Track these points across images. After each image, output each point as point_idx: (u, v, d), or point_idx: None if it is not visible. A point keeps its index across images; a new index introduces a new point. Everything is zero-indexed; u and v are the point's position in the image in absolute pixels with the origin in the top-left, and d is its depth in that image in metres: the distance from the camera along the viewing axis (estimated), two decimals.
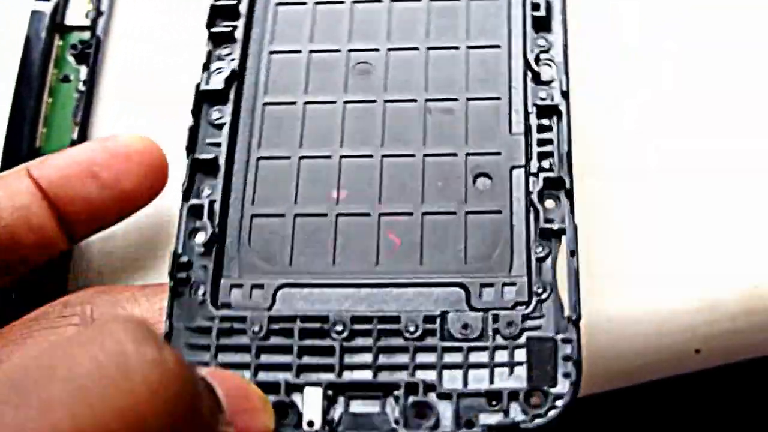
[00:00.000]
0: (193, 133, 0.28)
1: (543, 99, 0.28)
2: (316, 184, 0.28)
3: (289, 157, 0.28)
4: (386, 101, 0.28)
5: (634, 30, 0.44)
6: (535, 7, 0.29)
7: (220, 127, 0.29)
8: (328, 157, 0.28)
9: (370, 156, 0.28)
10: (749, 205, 0.42)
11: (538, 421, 0.24)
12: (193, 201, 0.27)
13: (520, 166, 0.28)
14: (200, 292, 0.26)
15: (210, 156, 0.28)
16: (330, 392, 0.25)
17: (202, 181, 0.28)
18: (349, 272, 0.27)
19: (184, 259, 0.27)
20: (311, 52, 0.30)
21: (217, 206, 0.27)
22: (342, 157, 0.28)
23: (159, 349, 0.19)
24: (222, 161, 0.28)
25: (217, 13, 0.30)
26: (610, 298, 0.40)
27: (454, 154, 0.28)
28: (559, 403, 0.24)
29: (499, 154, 0.28)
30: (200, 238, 0.27)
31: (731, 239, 0.42)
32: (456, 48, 0.29)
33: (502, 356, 0.25)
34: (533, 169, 0.27)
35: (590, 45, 0.43)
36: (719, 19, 0.45)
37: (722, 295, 0.41)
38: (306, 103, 0.29)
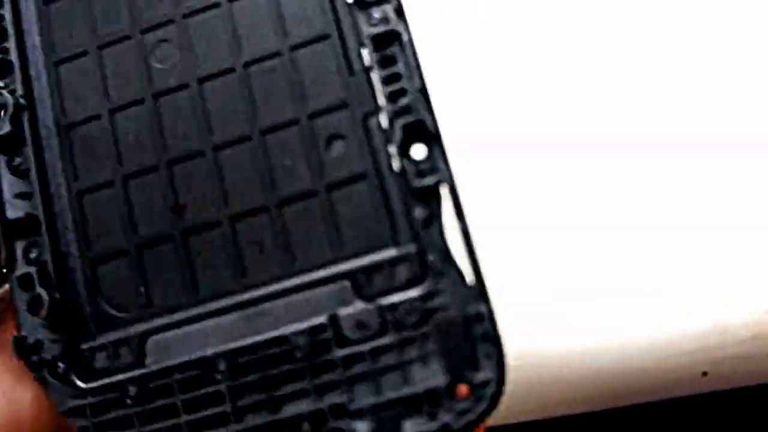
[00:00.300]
0: None
1: (375, 24, 0.22)
2: (150, 203, 0.23)
3: (112, 183, 0.23)
4: (200, 80, 0.23)
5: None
6: None
7: (25, 174, 0.23)
8: (155, 168, 0.23)
9: (201, 152, 0.23)
10: (762, 230, 0.43)
11: (468, 417, 0.21)
12: (21, 270, 0.23)
13: (373, 113, 0.22)
14: (59, 368, 0.22)
15: (21, 213, 0.23)
16: None
17: (23, 243, 0.23)
18: (214, 296, 0.22)
19: (32, 339, 0.22)
20: (99, 47, 0.24)
21: (50, 267, 0.23)
22: (169, 162, 0.23)
23: None
24: (40, 214, 0.23)
25: None
26: (621, 317, 0.41)
27: (296, 121, 0.22)
28: (488, 391, 0.21)
29: (345, 105, 0.22)
30: (40, 308, 0.23)
31: (743, 264, 0.42)
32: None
33: (411, 351, 0.21)
34: (386, 114, 0.22)
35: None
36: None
37: (732, 319, 0.41)
38: (112, 111, 0.24)
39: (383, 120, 0.22)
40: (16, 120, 0.24)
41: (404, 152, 0.22)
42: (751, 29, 0.45)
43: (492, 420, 0.40)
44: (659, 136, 0.44)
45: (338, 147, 0.22)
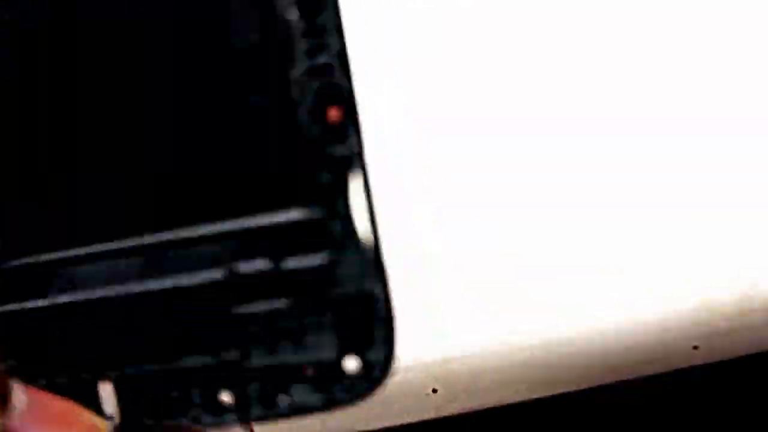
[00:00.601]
0: None
1: None
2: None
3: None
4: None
5: None
6: None
7: None
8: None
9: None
10: (749, 207, 0.44)
11: (351, 393, 0.20)
12: None
13: (291, 66, 0.20)
14: None
15: None
16: (123, 385, 0.21)
17: None
18: (109, 237, 0.21)
19: None
20: None
21: None
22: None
23: None
24: None
25: None
26: (613, 294, 0.44)
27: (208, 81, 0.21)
28: (377, 370, 0.20)
29: (263, 50, 0.20)
30: None
31: (729, 243, 0.44)
32: None
33: (308, 318, 0.20)
34: (299, 72, 0.20)
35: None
36: None
37: (720, 296, 0.44)
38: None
39: (297, 72, 0.20)
40: None
41: (316, 117, 0.20)
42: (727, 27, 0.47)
43: (483, 404, 0.41)
44: (631, 111, 0.46)
45: (256, 99, 0.20)
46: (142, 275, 0.21)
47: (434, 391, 0.42)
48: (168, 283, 0.20)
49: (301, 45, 0.20)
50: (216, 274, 0.20)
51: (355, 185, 0.20)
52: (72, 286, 0.21)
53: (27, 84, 0.21)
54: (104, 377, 0.21)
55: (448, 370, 0.42)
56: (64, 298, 0.21)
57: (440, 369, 0.42)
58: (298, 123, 0.20)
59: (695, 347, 0.44)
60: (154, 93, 0.20)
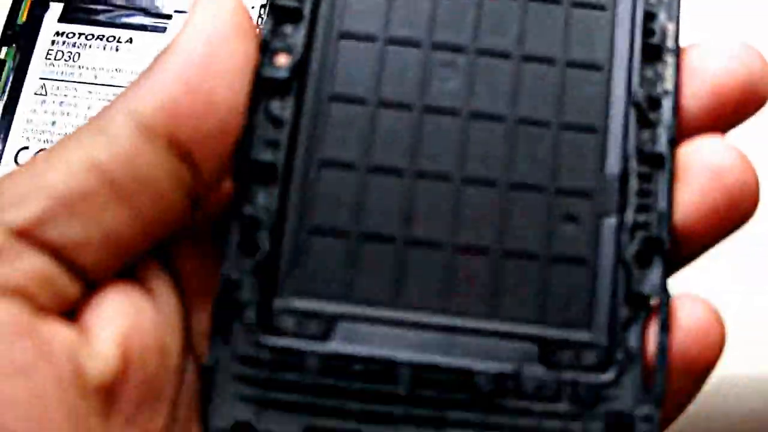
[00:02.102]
0: (249, 129, 0.23)
1: (646, 142, 0.24)
2: (384, 201, 0.24)
3: (356, 167, 0.24)
4: (471, 114, 0.24)
5: None
6: (649, 33, 0.25)
7: (278, 123, 0.24)
8: (401, 172, 0.24)
9: (449, 178, 0.24)
10: None
11: None
12: (248, 211, 0.23)
13: (611, 214, 0.24)
14: (248, 315, 0.23)
15: (268, 158, 0.24)
16: None
17: (256, 186, 0.24)
18: (417, 308, 0.23)
19: (234, 276, 0.23)
20: (387, 41, 0.25)
21: (273, 218, 0.23)
22: (417, 174, 0.24)
23: None
24: (281, 166, 0.24)
25: None
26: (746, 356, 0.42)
27: (542, 189, 0.24)
28: None
29: (590, 196, 0.24)
30: (255, 254, 0.23)
31: None
32: (552, 62, 0.25)
33: (576, 426, 0.23)
34: (628, 223, 0.24)
35: None
36: None
37: None
38: (379, 104, 0.24)
39: (626, 223, 0.24)
40: (294, 71, 0.24)
41: (637, 261, 0.23)
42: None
43: None
44: None
45: (570, 227, 0.24)
46: (433, 350, 0.23)
47: None
48: (458, 363, 0.23)
49: (633, 199, 0.24)
50: (504, 367, 0.23)
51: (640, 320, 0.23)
52: (370, 343, 0.23)
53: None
54: None
55: None
56: (346, 349, 0.23)
57: None
58: (607, 259, 0.24)
59: None
60: (492, 195, 0.24)
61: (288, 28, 0.24)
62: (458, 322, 0.23)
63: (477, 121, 0.24)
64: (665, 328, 0.23)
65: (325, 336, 0.23)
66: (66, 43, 0.49)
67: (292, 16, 0.24)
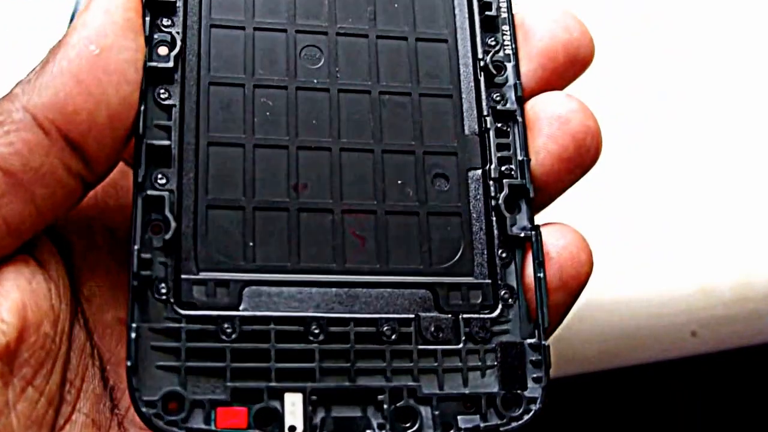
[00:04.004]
0: (144, 115, 0.25)
1: (497, 101, 0.27)
2: (273, 174, 0.26)
3: (243, 144, 0.26)
4: (339, 90, 0.27)
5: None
6: (485, 6, 0.28)
7: (167, 108, 0.25)
8: (284, 146, 0.26)
9: (328, 148, 0.26)
10: (746, 200, 0.45)
11: (514, 424, 0.25)
12: (150, 192, 0.25)
13: (476, 168, 0.27)
14: (162, 290, 0.24)
15: (164, 142, 0.25)
16: (313, 398, 0.24)
17: (154, 169, 0.25)
18: (316, 270, 0.25)
19: (145, 255, 0.24)
20: (255, 29, 0.27)
21: (174, 197, 0.25)
22: (299, 147, 0.26)
23: None
24: (175, 148, 0.25)
25: None
26: (614, 283, 0.43)
27: (412, 152, 0.27)
28: (532, 406, 0.25)
29: (455, 154, 0.27)
30: (161, 232, 0.24)
31: (727, 231, 0.44)
32: (404, 39, 0.28)
33: (473, 360, 0.25)
34: (494, 174, 0.27)
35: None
36: None
37: (718, 282, 0.44)
38: (256, 85, 0.26)
39: (492, 174, 0.27)
40: (176, 59, 0.26)
41: (508, 207, 0.26)
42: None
43: None
44: (642, 106, 0.47)
45: (442, 183, 0.27)
46: (337, 306, 0.25)
47: None
48: (363, 315, 0.25)
49: (495, 153, 0.27)
50: (404, 315, 0.25)
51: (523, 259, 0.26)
52: (277, 304, 0.25)
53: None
54: (294, 389, 0.24)
55: None
56: (260, 313, 0.25)
57: None
58: (478, 208, 0.27)
59: (693, 333, 0.44)
60: (369, 160, 0.27)
61: (165, 20, 0.26)
62: (355, 278, 0.25)
63: (345, 96, 0.27)
64: (541, 263, 0.26)
65: (236, 303, 0.25)
66: None
67: (167, 9, 0.26)
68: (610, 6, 0.49)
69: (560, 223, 0.27)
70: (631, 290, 0.44)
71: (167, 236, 0.24)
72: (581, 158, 0.26)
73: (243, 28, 0.27)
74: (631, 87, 0.47)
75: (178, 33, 0.26)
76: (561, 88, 0.27)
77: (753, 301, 0.44)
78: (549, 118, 0.26)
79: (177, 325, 0.24)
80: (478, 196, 0.27)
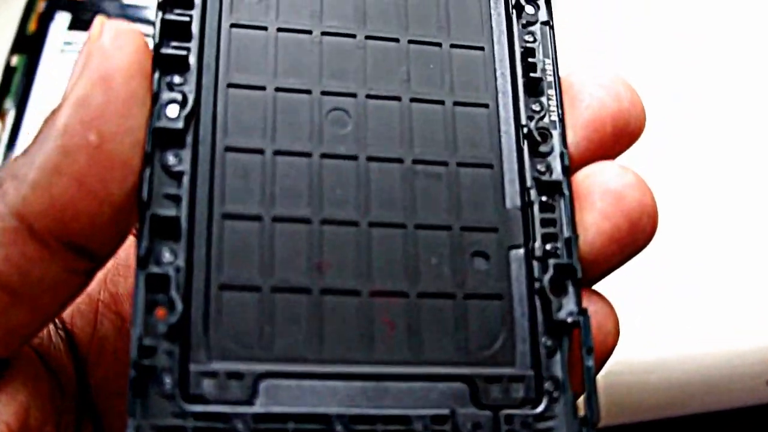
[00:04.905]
0: (150, 182, 0.22)
1: (542, 173, 0.25)
2: (293, 252, 0.23)
3: (261, 218, 0.23)
4: (368, 158, 0.24)
5: None
6: (530, 69, 0.26)
7: (177, 175, 0.23)
8: (307, 221, 0.23)
9: (356, 223, 0.24)
10: None
11: None
12: (154, 269, 0.22)
13: (518, 246, 0.24)
14: (166, 382, 0.21)
15: (171, 213, 0.22)
16: None
17: (160, 243, 0.22)
18: (340, 360, 0.23)
19: (148, 342, 0.21)
20: (277, 90, 0.24)
21: (182, 276, 0.22)
22: (323, 221, 0.24)
23: None
24: (184, 221, 0.22)
25: (166, 32, 0.24)
26: (692, 332, 0.43)
27: (448, 227, 0.24)
28: None
29: (495, 230, 0.24)
30: (165, 315, 0.22)
31: None
32: (441, 102, 0.25)
33: None
34: (538, 252, 0.24)
35: None
36: None
37: None
38: (276, 152, 0.24)
39: (535, 252, 0.24)
40: (187, 120, 0.23)
41: (553, 289, 0.24)
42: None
43: None
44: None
45: (481, 263, 0.24)
46: (364, 401, 0.23)
47: None
48: (392, 411, 0.23)
49: (539, 230, 0.24)
50: (439, 411, 0.23)
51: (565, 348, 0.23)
52: (297, 399, 0.22)
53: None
54: None
55: None
56: (276, 409, 0.22)
57: None
58: (521, 291, 0.24)
59: None
60: (400, 237, 0.24)
61: (177, 78, 0.24)
62: (384, 369, 0.23)
63: (375, 165, 0.24)
64: (591, 350, 0.23)
65: (250, 397, 0.22)
66: (75, 52, 0.51)
67: (179, 65, 0.24)
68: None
69: (588, 289, 0.24)
70: (705, 342, 0.43)
71: (173, 320, 0.22)
72: (634, 239, 0.24)
73: (264, 89, 0.24)
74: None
75: (190, 92, 0.23)
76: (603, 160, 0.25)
77: None
78: (601, 193, 0.24)
79: (183, 422, 0.21)
80: (521, 277, 0.24)
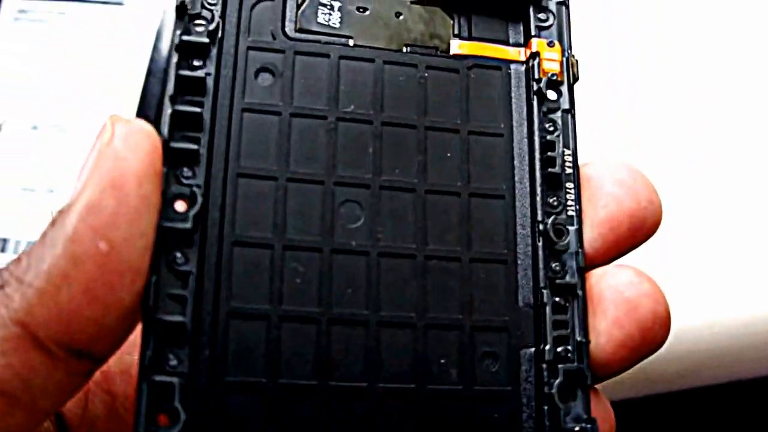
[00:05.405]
0: (156, 287, 0.21)
1: (556, 272, 0.24)
2: (300, 352, 0.22)
3: (266, 317, 0.22)
4: (380, 254, 0.24)
5: None
6: (548, 161, 0.25)
7: (183, 276, 0.22)
8: (315, 320, 0.23)
9: (365, 323, 0.23)
10: None
11: None
12: (158, 378, 0.21)
13: (528, 347, 0.24)
14: None
15: (177, 318, 0.21)
16: None
17: (164, 348, 0.21)
18: None
19: None
20: (289, 180, 0.23)
21: (185, 384, 0.21)
22: (330, 320, 0.23)
23: None
24: (189, 324, 0.21)
25: (177, 124, 0.23)
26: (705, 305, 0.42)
27: (458, 327, 0.24)
28: None
29: (506, 329, 0.24)
30: (168, 424, 0.21)
31: None
32: (457, 194, 0.24)
33: None
34: (548, 356, 0.23)
35: None
36: None
37: None
38: (286, 247, 0.23)
39: (546, 356, 0.24)
40: (196, 219, 0.22)
41: (562, 396, 0.23)
42: None
43: None
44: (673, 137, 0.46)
45: (489, 364, 0.24)
46: None
47: None
48: None
49: (551, 332, 0.24)
50: None
51: None
52: None
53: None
54: None
55: None
56: None
57: None
58: (528, 392, 0.24)
59: None
60: (409, 336, 0.23)
61: (186, 171, 0.22)
62: None
63: (386, 261, 0.23)
64: None
65: None
66: (30, 20, 0.48)
67: (189, 158, 0.22)
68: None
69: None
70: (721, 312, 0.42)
71: (176, 430, 0.21)
72: (646, 347, 0.23)
73: (275, 179, 0.23)
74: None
75: (199, 187, 0.22)
76: (617, 257, 0.24)
77: None
78: (615, 300, 0.23)
79: None
80: (530, 379, 0.24)
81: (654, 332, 0.23)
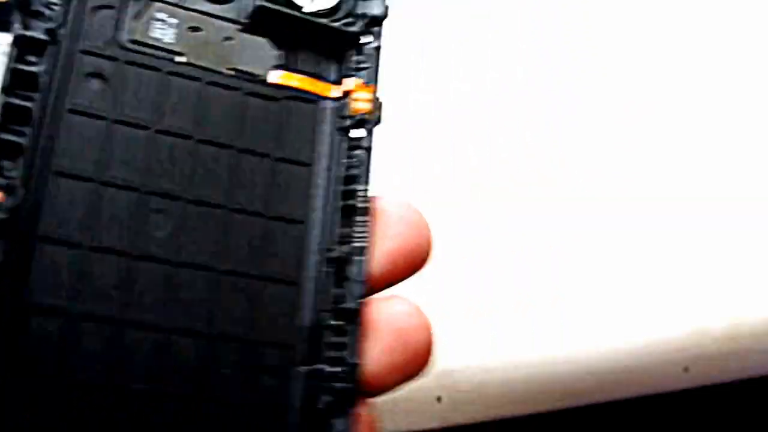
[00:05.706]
0: None
1: (339, 298, 0.26)
2: (90, 352, 0.23)
3: (67, 313, 0.23)
4: (179, 264, 0.25)
5: None
6: (347, 194, 0.27)
7: None
8: (110, 321, 0.24)
9: (156, 329, 0.24)
10: (736, 242, 0.45)
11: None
12: None
13: (306, 364, 0.25)
14: None
15: None
16: None
17: None
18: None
19: None
20: (104, 183, 0.25)
21: None
22: (126, 324, 0.24)
23: None
24: None
25: (8, 114, 0.24)
26: (611, 320, 0.45)
27: (242, 340, 0.25)
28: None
29: (287, 346, 0.25)
30: None
31: (718, 273, 0.45)
32: (259, 215, 0.26)
33: None
34: (322, 374, 0.25)
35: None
36: None
37: (710, 323, 0.45)
38: (92, 248, 0.24)
39: (319, 374, 0.25)
40: (11, 213, 0.23)
41: (329, 411, 0.25)
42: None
43: (486, 416, 0.42)
44: (639, 142, 0.47)
45: (267, 378, 0.25)
46: None
47: (438, 399, 0.44)
48: None
49: (326, 352, 0.25)
50: None
51: None
52: None
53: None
54: None
55: (453, 379, 0.44)
56: None
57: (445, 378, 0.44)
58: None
59: (686, 369, 0.46)
60: (201, 348, 0.25)
61: (7, 164, 0.23)
62: None
63: (184, 271, 0.25)
64: None
65: None
66: None
67: (13, 151, 0.23)
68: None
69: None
70: (627, 331, 0.45)
71: None
72: (412, 370, 0.26)
73: (91, 181, 0.25)
74: (621, 107, 0.47)
75: (18, 180, 0.23)
76: (392, 286, 0.27)
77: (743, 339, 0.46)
78: (389, 328, 0.26)
79: None
80: (300, 396, 0.25)
81: (419, 357, 0.26)
